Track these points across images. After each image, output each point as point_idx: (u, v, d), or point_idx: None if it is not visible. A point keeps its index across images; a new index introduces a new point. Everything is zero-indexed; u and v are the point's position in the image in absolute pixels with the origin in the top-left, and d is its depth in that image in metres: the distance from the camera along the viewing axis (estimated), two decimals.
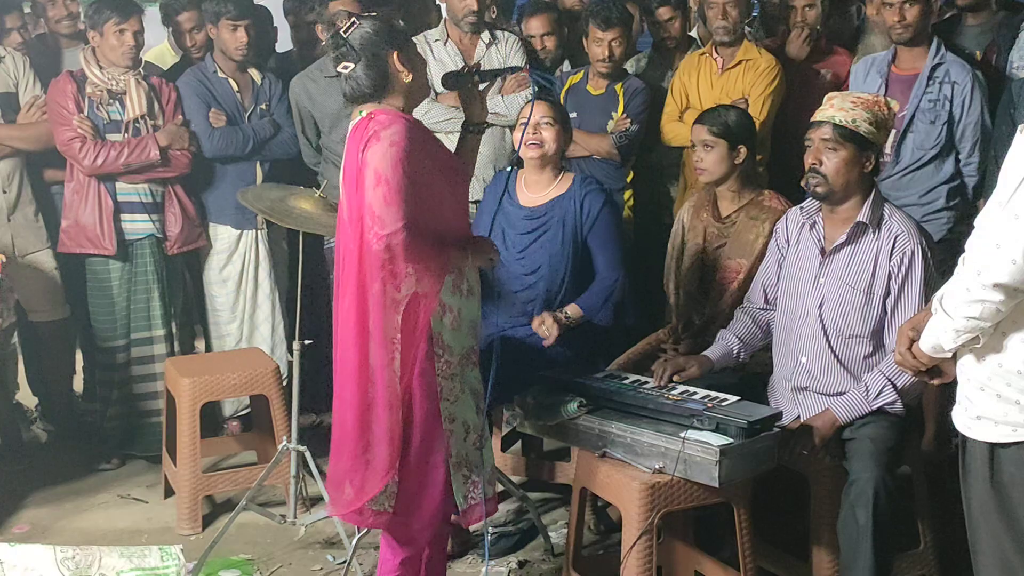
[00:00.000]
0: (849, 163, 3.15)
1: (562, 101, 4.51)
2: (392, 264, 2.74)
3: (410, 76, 2.85)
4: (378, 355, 2.83)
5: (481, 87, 3.09)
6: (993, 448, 2.25)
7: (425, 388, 2.87)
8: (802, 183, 3.25)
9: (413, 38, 3.05)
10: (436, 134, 3.26)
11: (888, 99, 3.20)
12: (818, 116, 3.20)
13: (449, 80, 3.07)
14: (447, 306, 2.87)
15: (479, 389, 2.98)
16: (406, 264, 2.74)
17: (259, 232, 4.67)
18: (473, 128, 3.09)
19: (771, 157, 4.44)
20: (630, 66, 4.87)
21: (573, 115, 4.49)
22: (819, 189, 3.20)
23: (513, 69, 4.11)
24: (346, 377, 2.91)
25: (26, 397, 5.03)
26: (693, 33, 5.21)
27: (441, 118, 4.39)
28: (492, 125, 4.58)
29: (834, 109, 3.18)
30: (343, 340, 2.92)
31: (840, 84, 4.50)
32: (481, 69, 3.12)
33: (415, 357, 2.83)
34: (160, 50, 5.14)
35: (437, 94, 4.41)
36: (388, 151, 2.73)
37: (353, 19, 2.85)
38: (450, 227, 2.89)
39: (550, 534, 3.78)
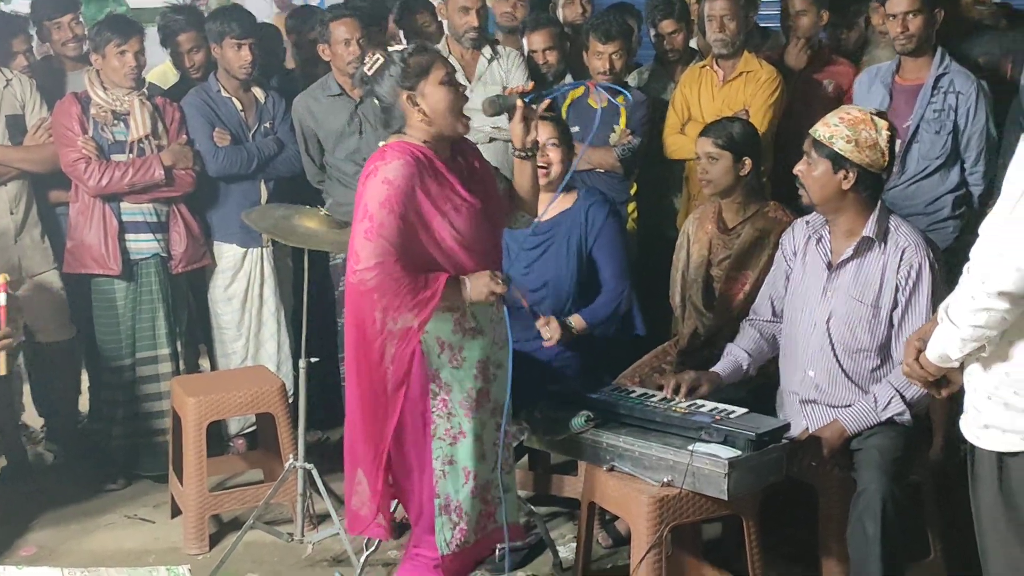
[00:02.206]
0: (822, 177, 3.15)
1: (564, 115, 4.53)
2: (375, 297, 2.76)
3: (421, 116, 2.83)
4: (356, 380, 2.86)
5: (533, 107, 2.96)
6: (1001, 457, 2.25)
7: (419, 424, 2.87)
8: None
9: None
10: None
11: (878, 119, 3.15)
12: (812, 129, 3.23)
13: (490, 105, 2.98)
14: (446, 343, 2.87)
15: (487, 436, 2.93)
16: (379, 299, 2.75)
17: (264, 250, 4.68)
18: (521, 153, 3.01)
19: (773, 168, 4.44)
20: (632, 79, 4.88)
21: (575, 129, 4.51)
22: (803, 200, 3.24)
23: (574, 84, 3.95)
24: (347, 400, 2.96)
25: (31, 418, 5.04)
26: (694, 44, 5.23)
27: None
28: (495, 140, 4.62)
29: (821, 122, 3.20)
30: (346, 362, 2.96)
31: (843, 95, 4.52)
32: (528, 90, 2.97)
33: (407, 389, 2.84)
34: (162, 70, 5.16)
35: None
36: (380, 188, 2.75)
37: (377, 57, 2.86)
38: (448, 263, 2.85)
39: (558, 548, 3.77)
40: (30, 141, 4.48)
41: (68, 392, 4.82)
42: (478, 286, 2.84)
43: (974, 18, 4.36)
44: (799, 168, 3.21)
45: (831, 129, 3.14)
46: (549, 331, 3.62)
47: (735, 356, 3.44)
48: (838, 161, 3.12)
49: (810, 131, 3.21)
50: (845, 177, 3.13)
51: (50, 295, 4.54)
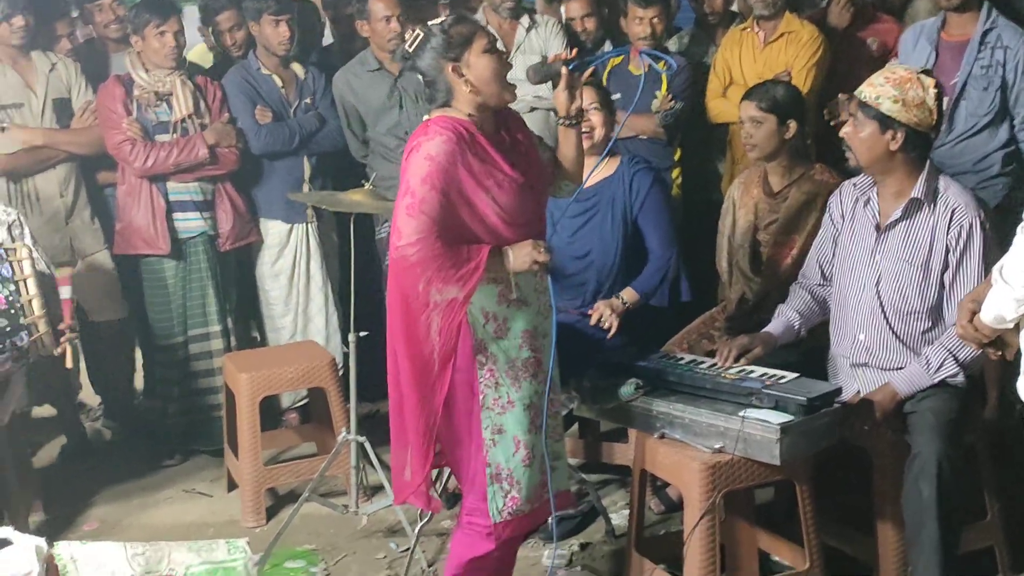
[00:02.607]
0: (870, 139, 3.10)
1: (604, 82, 4.50)
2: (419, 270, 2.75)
3: (469, 87, 2.80)
4: (404, 354, 2.86)
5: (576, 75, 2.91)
6: None
7: (467, 394, 2.88)
8: None
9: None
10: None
11: (923, 76, 3.10)
12: (858, 90, 3.18)
13: (535, 73, 2.94)
14: (491, 314, 2.86)
15: (537, 405, 2.91)
16: (421, 274, 2.74)
17: (309, 225, 4.71)
18: (566, 121, 2.97)
19: (817, 129, 4.39)
20: (673, 44, 4.84)
21: (617, 96, 4.48)
22: (850, 162, 3.21)
23: (617, 52, 3.86)
24: (390, 372, 2.97)
25: (88, 396, 5.12)
26: (735, 7, 5.16)
27: None
28: (536, 109, 4.60)
29: (866, 83, 3.15)
30: (388, 336, 2.96)
31: (888, 53, 4.45)
32: (572, 57, 2.91)
33: (455, 360, 2.83)
34: (202, 49, 5.18)
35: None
36: (422, 164, 2.73)
37: (417, 32, 2.84)
38: (490, 237, 2.82)
39: (611, 515, 3.79)
40: (77, 124, 4.52)
41: (123, 370, 4.90)
42: (521, 256, 2.82)
43: None
44: (845, 131, 3.17)
45: (877, 89, 3.09)
46: (606, 320, 3.62)
47: (787, 316, 3.43)
48: (885, 122, 3.08)
49: (855, 92, 3.16)
50: (893, 138, 3.09)
51: (102, 275, 4.60)
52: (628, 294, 3.71)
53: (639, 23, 4.47)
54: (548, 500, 2.98)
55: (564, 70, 2.90)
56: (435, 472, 3.13)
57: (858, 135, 3.12)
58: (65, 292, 3.74)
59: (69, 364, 3.71)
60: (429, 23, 2.87)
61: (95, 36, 4.95)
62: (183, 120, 4.44)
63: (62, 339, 3.68)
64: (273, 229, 4.70)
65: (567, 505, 3.16)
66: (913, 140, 3.10)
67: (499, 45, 3.01)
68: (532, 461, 2.92)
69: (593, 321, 3.65)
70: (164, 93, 4.44)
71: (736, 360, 3.26)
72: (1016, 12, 4.08)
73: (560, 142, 3.06)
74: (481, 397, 2.88)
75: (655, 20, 4.46)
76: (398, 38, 4.43)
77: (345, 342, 4.39)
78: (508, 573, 3.22)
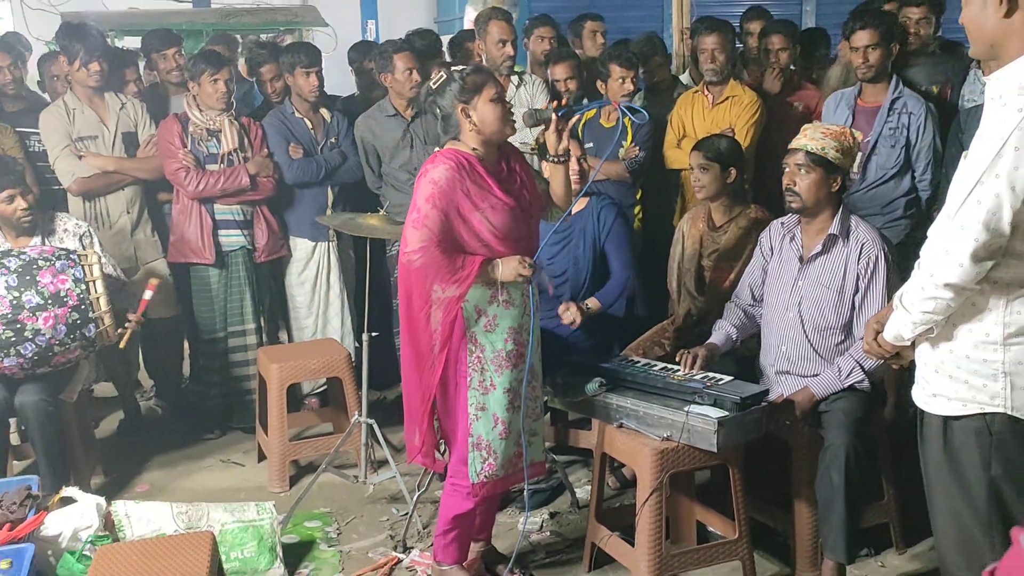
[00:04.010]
0: (819, 183, 3.14)
1: (580, 134, 4.52)
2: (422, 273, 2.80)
3: (471, 126, 2.84)
4: (408, 340, 2.91)
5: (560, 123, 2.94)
6: (946, 420, 2.26)
7: (460, 375, 2.91)
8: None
9: None
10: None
11: (853, 130, 3.19)
12: (794, 144, 3.21)
13: (529, 117, 2.97)
14: (482, 311, 2.89)
15: (516, 390, 2.94)
16: (424, 277, 2.79)
17: (331, 244, 4.72)
18: (554, 158, 3.00)
19: (753, 176, 4.44)
20: (635, 102, 4.86)
21: (589, 145, 4.51)
22: (794, 205, 3.21)
23: (599, 103, 3.88)
24: (401, 359, 3.01)
25: (144, 379, 5.12)
26: (684, 77, 5.22)
27: None
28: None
29: (807, 138, 3.18)
30: (401, 330, 3.01)
31: (810, 114, 4.50)
32: (563, 104, 2.95)
33: (451, 347, 2.88)
34: None
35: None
36: (427, 187, 2.78)
37: (442, 73, 2.88)
38: (484, 250, 2.86)
39: (575, 490, 3.80)
40: (142, 153, 4.53)
41: (173, 359, 4.90)
42: (508, 269, 2.86)
43: (914, 46, 4.32)
44: (792, 179, 3.18)
45: (821, 142, 3.13)
46: (570, 315, 3.64)
47: (726, 330, 3.46)
48: (830, 168, 3.12)
49: (798, 146, 3.17)
50: (835, 181, 3.14)
51: (158, 280, 4.59)
52: (592, 302, 3.73)
53: (622, 82, 4.48)
54: (521, 468, 3.02)
55: (554, 116, 2.94)
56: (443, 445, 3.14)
57: (805, 181, 3.16)
58: (147, 295, 3.77)
59: (122, 345, 3.73)
60: (452, 68, 2.91)
61: (158, 81, 4.96)
62: (229, 153, 4.45)
63: (126, 324, 3.70)
64: (301, 246, 4.71)
65: (540, 473, 3.20)
66: (844, 184, 3.16)
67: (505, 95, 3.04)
68: (508, 436, 2.95)
69: (560, 311, 3.64)
70: (214, 130, 4.45)
71: (698, 368, 3.27)
72: (912, 84, 4.15)
73: (551, 177, 3.09)
74: (468, 379, 2.91)
75: (633, 79, 4.50)
76: (417, 87, 4.46)
77: (358, 340, 4.40)
78: (488, 532, 3.25)
